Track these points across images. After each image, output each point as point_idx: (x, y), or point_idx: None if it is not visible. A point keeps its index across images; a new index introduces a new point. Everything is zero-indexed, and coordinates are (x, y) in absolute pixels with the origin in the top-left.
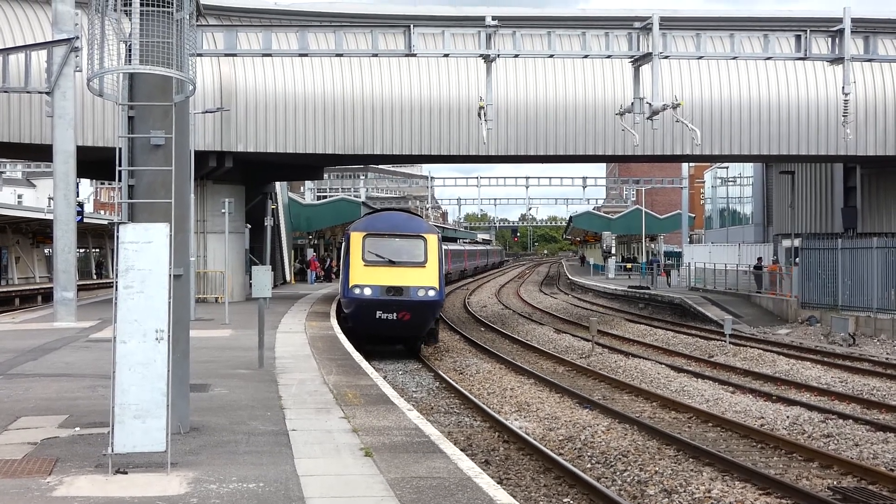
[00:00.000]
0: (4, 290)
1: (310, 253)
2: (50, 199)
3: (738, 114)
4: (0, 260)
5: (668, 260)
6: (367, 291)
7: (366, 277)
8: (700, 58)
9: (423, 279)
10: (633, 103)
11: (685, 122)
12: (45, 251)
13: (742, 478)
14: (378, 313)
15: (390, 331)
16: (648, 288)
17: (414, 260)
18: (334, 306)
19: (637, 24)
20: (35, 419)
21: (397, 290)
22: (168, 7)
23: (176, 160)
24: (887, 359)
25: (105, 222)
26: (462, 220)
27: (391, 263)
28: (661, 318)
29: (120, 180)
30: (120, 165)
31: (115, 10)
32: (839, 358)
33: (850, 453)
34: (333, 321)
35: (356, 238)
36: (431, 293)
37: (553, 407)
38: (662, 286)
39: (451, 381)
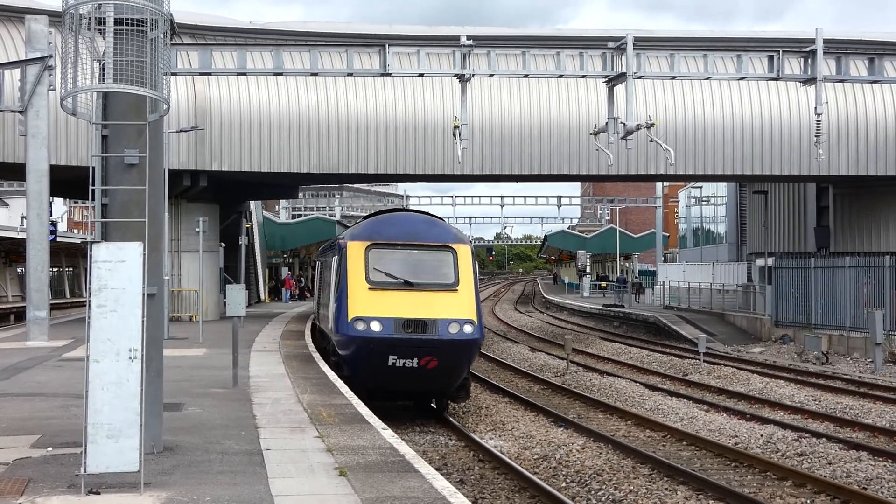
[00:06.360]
0: None
1: (284, 272)
2: (23, 217)
3: (711, 134)
4: None
5: (637, 278)
6: (376, 327)
7: (372, 307)
8: (674, 78)
9: (456, 309)
10: (607, 123)
11: (659, 141)
12: (18, 270)
13: (716, 496)
14: (391, 359)
15: (409, 383)
16: (623, 306)
17: (441, 281)
18: (309, 325)
19: (611, 45)
20: (7, 439)
21: (419, 324)
22: (142, 26)
23: (150, 179)
24: (860, 377)
25: (79, 241)
26: None
27: (408, 286)
28: (636, 336)
29: (93, 199)
30: (93, 184)
31: (89, 29)
32: (812, 376)
33: (823, 472)
34: (308, 340)
35: (355, 250)
36: (468, 329)
37: (528, 426)
38: (636, 304)
39: None
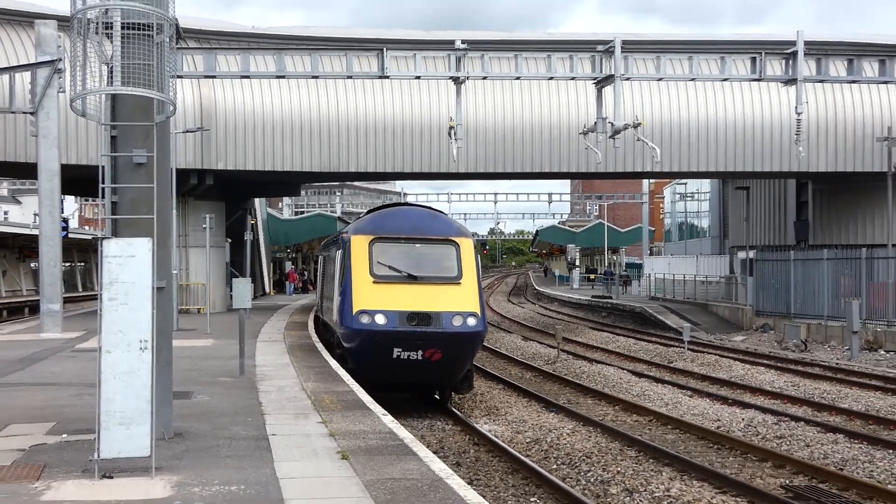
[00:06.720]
0: None
1: (288, 266)
2: (35, 215)
3: (696, 132)
4: None
5: (625, 270)
6: (380, 320)
7: (377, 300)
8: (660, 79)
9: (459, 302)
10: (596, 123)
11: (646, 140)
12: (32, 265)
13: (700, 477)
14: (395, 351)
15: (413, 376)
16: (611, 297)
17: (444, 274)
18: (312, 317)
19: (600, 48)
20: (23, 426)
21: (423, 317)
22: (149, 30)
23: (157, 178)
24: (837, 364)
25: (90, 237)
26: None
27: (412, 279)
28: (623, 325)
29: (103, 197)
30: (103, 183)
31: (97, 33)
32: (791, 363)
33: (801, 454)
34: (311, 331)
35: (359, 244)
36: (472, 321)
37: (521, 411)
38: (623, 296)
39: None
